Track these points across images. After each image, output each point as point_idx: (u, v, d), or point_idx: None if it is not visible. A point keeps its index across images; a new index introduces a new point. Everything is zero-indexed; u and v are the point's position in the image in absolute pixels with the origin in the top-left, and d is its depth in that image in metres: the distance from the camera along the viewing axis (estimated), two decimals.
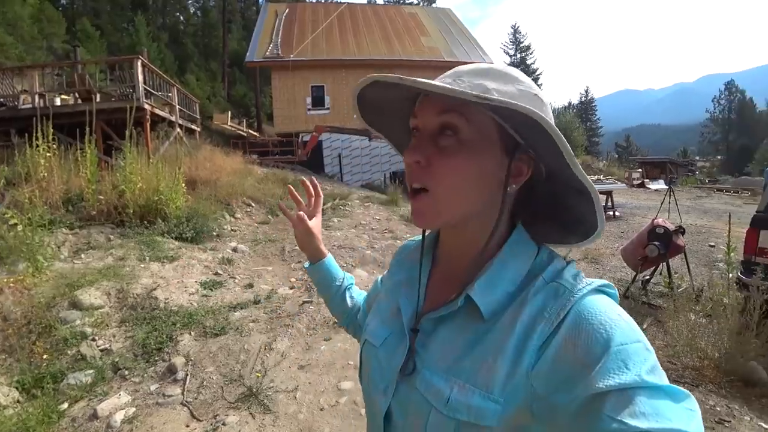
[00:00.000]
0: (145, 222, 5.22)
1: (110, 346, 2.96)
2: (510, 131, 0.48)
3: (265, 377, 2.70)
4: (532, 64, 46.68)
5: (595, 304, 0.43)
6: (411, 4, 37.87)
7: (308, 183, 0.88)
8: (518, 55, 46.83)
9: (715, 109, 58.87)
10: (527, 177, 0.51)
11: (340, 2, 25.13)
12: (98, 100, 8.00)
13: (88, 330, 3.03)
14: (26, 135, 5.30)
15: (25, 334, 2.87)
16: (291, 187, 0.89)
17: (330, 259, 0.88)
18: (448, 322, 0.52)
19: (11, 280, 3.26)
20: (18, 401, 2.41)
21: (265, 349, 3.07)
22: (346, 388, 2.68)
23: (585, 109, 58.34)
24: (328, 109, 17.87)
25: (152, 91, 8.70)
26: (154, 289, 3.68)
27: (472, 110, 0.47)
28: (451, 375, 0.48)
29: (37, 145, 5.03)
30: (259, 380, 2.65)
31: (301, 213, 0.84)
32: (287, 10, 21.45)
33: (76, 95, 8.51)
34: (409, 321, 0.57)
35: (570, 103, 62.66)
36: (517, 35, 46.89)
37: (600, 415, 0.36)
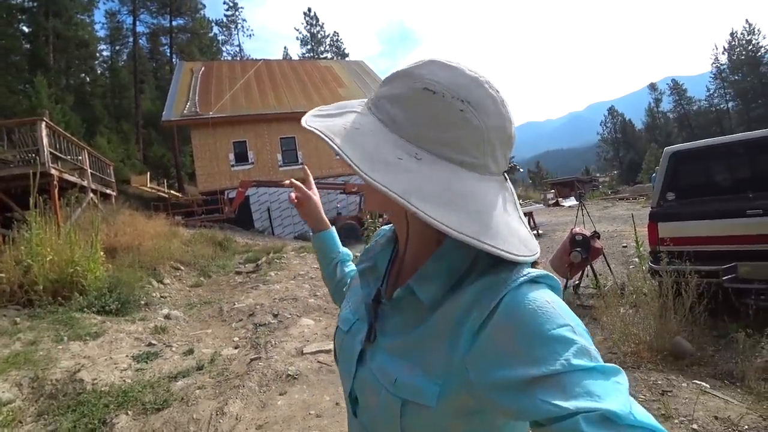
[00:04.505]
0: (59, 298, 4.68)
1: None
2: None
3: None
4: None
5: (527, 293, 0.44)
6: (325, 58, 39.62)
7: (306, 174, 0.98)
8: None
9: (603, 131, 67.59)
10: None
11: (256, 60, 25.53)
12: None
13: None
14: None
15: None
16: (293, 180, 0.98)
17: (330, 232, 0.96)
18: (400, 309, 0.56)
19: None
20: None
21: (217, 414, 2.81)
22: None
23: None
24: (252, 163, 17.73)
25: (59, 154, 8.03)
26: (78, 371, 3.25)
27: None
28: (400, 358, 0.52)
29: None
30: None
31: (299, 194, 0.93)
32: (203, 69, 21.40)
33: None
34: (369, 305, 0.61)
35: None
36: None
37: (534, 400, 0.38)
